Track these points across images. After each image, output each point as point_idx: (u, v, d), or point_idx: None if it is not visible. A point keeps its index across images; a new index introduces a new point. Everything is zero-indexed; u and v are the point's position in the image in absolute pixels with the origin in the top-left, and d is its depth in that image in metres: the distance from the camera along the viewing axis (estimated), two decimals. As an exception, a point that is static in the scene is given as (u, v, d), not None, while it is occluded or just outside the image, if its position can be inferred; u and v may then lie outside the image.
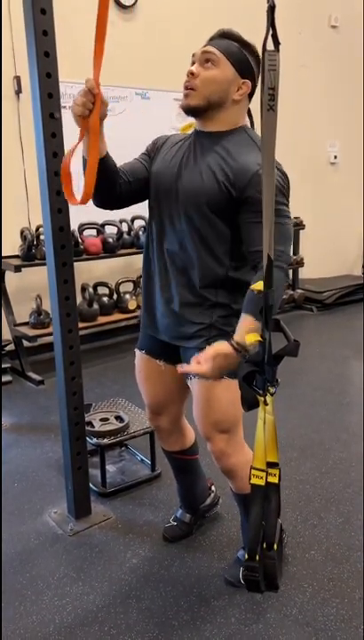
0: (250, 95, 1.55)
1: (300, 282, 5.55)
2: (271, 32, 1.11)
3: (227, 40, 1.49)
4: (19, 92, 3.70)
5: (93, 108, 1.38)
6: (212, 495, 2.09)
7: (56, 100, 1.80)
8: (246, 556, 1.30)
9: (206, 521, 2.09)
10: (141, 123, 4.25)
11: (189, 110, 1.51)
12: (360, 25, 5.72)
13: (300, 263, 5.39)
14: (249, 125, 1.59)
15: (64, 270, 1.91)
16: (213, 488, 2.11)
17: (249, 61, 1.50)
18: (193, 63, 1.51)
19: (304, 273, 5.68)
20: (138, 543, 2.00)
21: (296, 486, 2.35)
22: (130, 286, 4.14)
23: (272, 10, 1.10)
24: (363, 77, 5.82)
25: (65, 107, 4.16)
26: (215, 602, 1.72)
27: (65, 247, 1.90)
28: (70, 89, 3.90)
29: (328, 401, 3.24)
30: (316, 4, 5.35)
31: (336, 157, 5.99)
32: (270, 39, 1.10)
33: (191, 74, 1.48)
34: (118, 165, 1.56)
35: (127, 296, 4.05)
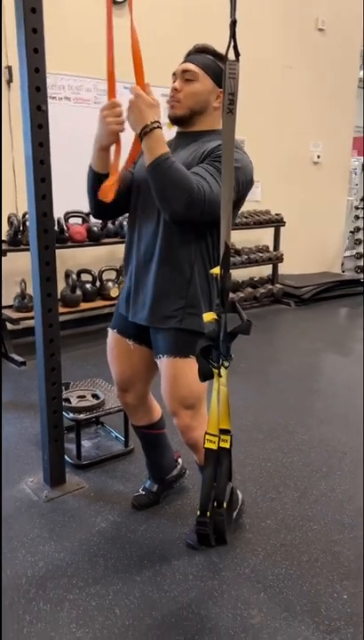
0: None
1: (279, 277, 5.72)
2: (232, 44, 1.25)
3: (203, 54, 1.68)
4: (10, 81, 3.81)
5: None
6: (179, 467, 2.24)
7: (43, 93, 1.92)
8: (198, 513, 1.46)
9: (172, 491, 2.24)
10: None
11: (175, 120, 1.72)
12: (346, 28, 5.88)
13: (280, 259, 5.56)
14: None
15: (46, 253, 2.05)
16: (180, 460, 2.26)
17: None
18: (174, 80, 1.70)
19: (283, 269, 5.85)
20: (108, 510, 2.16)
21: (259, 464, 2.51)
22: (113, 274, 4.27)
23: (233, 24, 1.25)
24: (355, 78, 5.99)
25: (54, 97, 4.28)
26: (175, 561, 1.88)
27: (47, 231, 2.03)
28: (60, 80, 4.02)
29: (297, 388, 3.42)
30: (304, 7, 5.49)
31: (318, 157, 6.16)
32: (231, 50, 1.25)
33: (174, 89, 1.68)
34: None
35: (110, 284, 4.19)
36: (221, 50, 1.72)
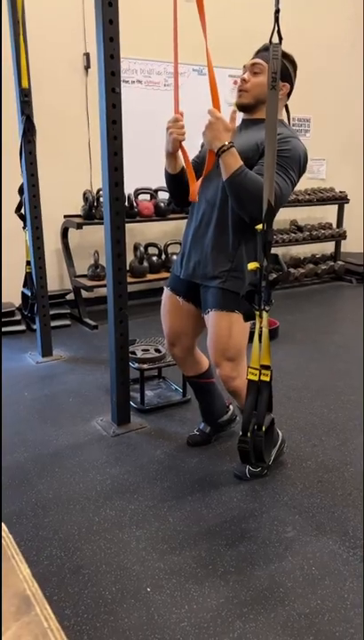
0: (289, 94, 1.98)
1: (342, 254, 5.79)
2: (276, 29, 1.47)
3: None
4: (87, 67, 4.13)
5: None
6: (230, 412, 2.50)
7: (117, 77, 2.20)
8: (240, 433, 1.71)
9: (224, 434, 2.51)
10: (197, 97, 4.59)
11: (242, 107, 1.99)
12: None
13: (343, 236, 5.63)
14: (286, 121, 1.98)
15: (117, 218, 2.35)
16: (231, 407, 2.52)
17: (287, 68, 1.91)
18: (244, 72, 1.96)
19: (348, 246, 5.91)
20: (166, 445, 2.46)
21: (305, 417, 2.72)
22: (177, 248, 4.53)
23: (277, 12, 1.47)
24: None
25: (127, 81, 4.58)
26: (222, 487, 2.15)
27: (119, 199, 2.33)
28: (133, 65, 4.30)
29: (348, 356, 3.57)
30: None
31: (386, 134, 6.10)
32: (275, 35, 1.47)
33: (243, 80, 1.95)
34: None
35: (174, 257, 4.47)
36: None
